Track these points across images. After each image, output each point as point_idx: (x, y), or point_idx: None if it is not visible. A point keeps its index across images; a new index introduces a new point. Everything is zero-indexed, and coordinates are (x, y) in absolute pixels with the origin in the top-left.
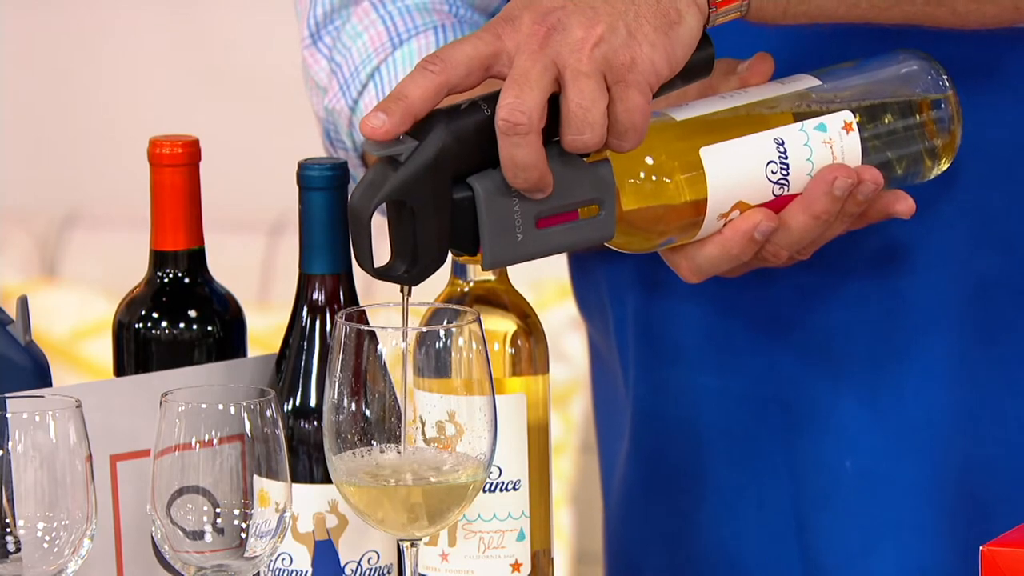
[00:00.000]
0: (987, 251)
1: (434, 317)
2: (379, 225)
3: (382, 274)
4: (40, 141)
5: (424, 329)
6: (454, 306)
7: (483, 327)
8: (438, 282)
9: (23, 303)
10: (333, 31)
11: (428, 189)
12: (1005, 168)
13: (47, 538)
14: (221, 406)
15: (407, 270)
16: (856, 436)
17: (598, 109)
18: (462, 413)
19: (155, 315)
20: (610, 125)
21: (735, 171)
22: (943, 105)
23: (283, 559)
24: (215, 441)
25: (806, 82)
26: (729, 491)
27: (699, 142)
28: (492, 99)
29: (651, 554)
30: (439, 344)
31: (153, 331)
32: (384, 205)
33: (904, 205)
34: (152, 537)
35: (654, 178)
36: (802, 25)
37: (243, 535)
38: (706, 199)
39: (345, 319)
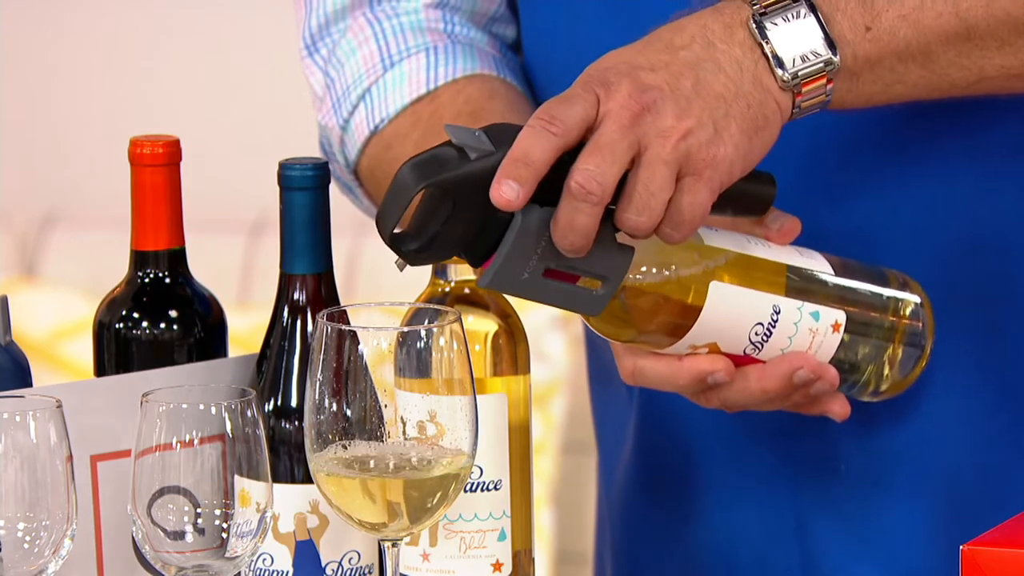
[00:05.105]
0: (983, 254)
1: (415, 317)
2: (362, 223)
3: (393, 241)
4: (20, 140)
5: (405, 329)
6: (435, 306)
7: (464, 327)
8: (419, 282)
9: (3, 303)
10: (329, 43)
11: (479, 196)
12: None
13: (27, 538)
14: (202, 406)
15: (417, 251)
16: (851, 439)
17: (663, 197)
18: (443, 413)
19: (136, 315)
20: (668, 213)
21: (728, 316)
22: (920, 346)
23: (264, 559)
24: (196, 441)
25: (820, 264)
26: (730, 492)
27: (715, 275)
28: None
29: (651, 553)
30: (420, 344)
31: (134, 331)
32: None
33: (840, 408)
34: (133, 537)
35: (667, 287)
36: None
37: (224, 535)
38: (692, 327)
39: (326, 319)
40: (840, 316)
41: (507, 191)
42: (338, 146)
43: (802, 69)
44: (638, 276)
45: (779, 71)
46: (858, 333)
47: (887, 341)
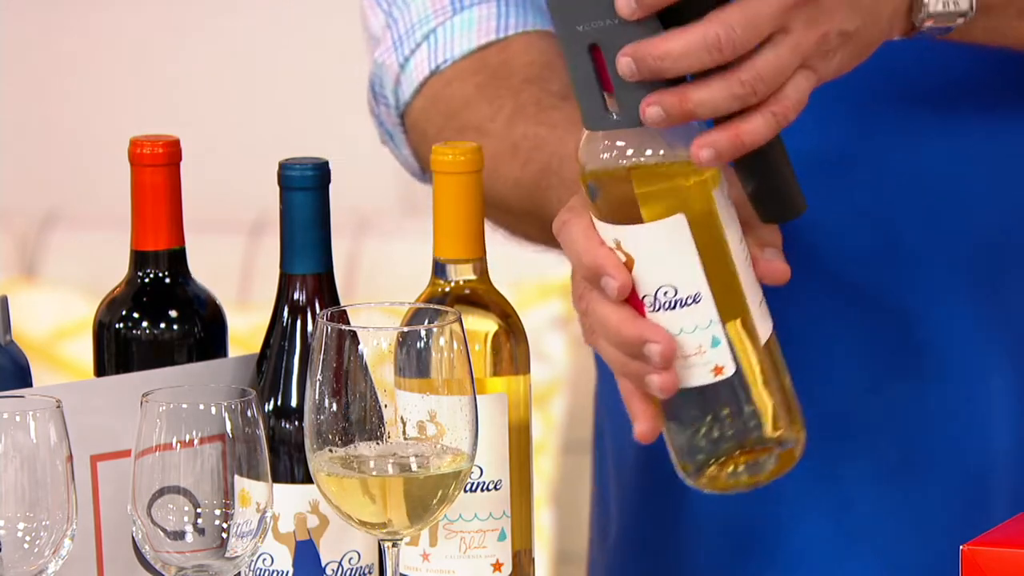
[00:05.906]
0: (989, 231)
1: (415, 317)
2: (362, 223)
3: None
4: (19, 140)
5: (405, 329)
6: (435, 306)
7: (464, 327)
8: (419, 282)
9: (3, 303)
10: None
11: None
12: None
13: (27, 538)
14: (202, 406)
15: None
16: (852, 429)
17: (782, 81)
18: (443, 413)
19: (136, 315)
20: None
21: (662, 251)
22: (750, 479)
23: (264, 559)
24: (196, 441)
25: (764, 327)
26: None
27: (688, 212)
28: None
29: (671, 538)
30: (420, 344)
31: (134, 331)
32: None
33: (646, 425)
34: (133, 537)
35: (653, 170)
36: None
37: (224, 535)
38: (631, 226)
39: (326, 319)
40: (730, 368)
41: (624, 8)
42: (392, 85)
43: (937, 15)
44: (642, 152)
45: (917, 13)
46: (723, 407)
47: (736, 445)
